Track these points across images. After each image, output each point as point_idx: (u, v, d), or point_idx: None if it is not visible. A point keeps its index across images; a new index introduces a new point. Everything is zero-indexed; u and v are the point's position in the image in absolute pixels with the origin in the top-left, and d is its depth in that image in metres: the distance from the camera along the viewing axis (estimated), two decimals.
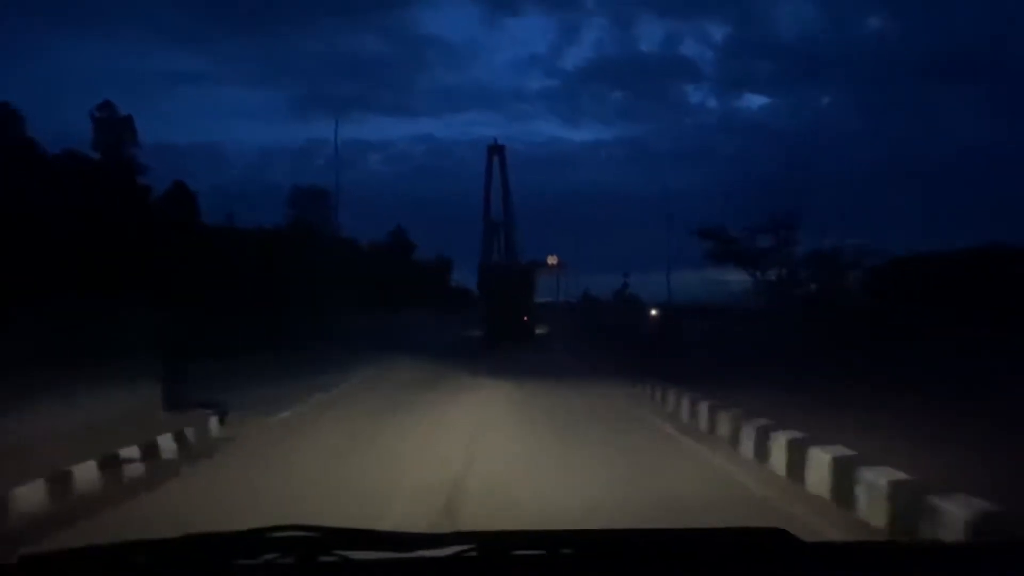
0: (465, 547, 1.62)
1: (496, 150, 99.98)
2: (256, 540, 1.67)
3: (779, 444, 7.21)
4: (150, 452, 7.89)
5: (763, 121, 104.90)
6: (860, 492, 5.73)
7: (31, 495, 6.01)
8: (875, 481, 5.54)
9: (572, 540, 1.70)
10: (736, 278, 30.65)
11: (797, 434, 7.15)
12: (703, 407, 9.82)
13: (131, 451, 7.58)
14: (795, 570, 1.61)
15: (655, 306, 44.22)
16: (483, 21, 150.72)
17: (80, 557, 1.67)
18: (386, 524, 4.81)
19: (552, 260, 53.45)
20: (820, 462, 6.38)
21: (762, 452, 7.57)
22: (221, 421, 10.05)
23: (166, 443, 8.36)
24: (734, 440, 8.39)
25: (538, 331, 31.70)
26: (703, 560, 1.61)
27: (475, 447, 8.49)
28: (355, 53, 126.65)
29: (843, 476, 5.99)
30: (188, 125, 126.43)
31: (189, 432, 8.97)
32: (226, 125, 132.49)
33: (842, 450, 6.36)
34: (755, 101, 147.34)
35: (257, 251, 28.36)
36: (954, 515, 4.61)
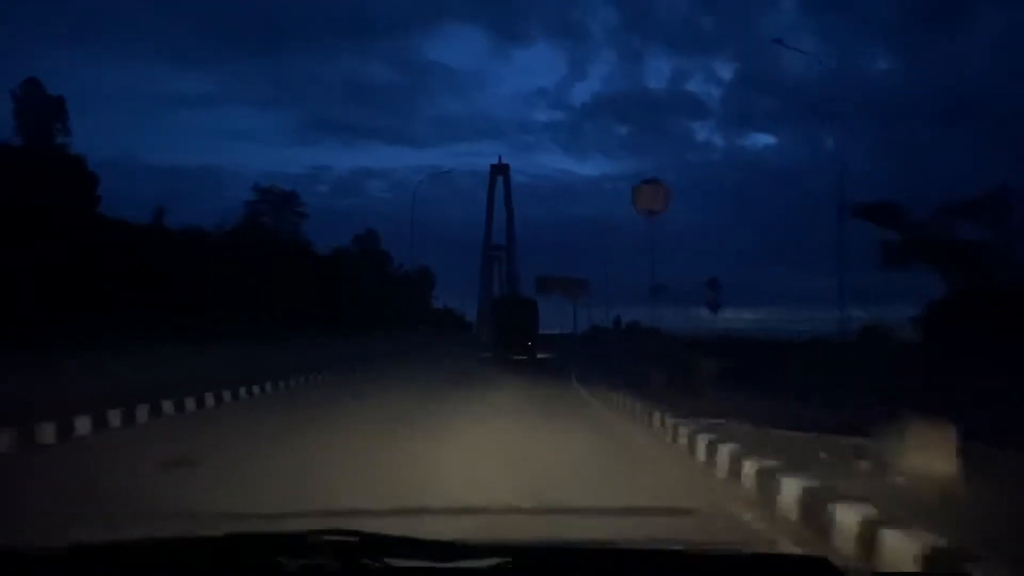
0: (502, 559, 1.67)
1: (500, 170, 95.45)
2: (299, 542, 1.71)
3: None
4: None
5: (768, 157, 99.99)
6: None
7: None
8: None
9: (608, 557, 1.78)
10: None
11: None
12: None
13: None
14: None
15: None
16: (491, 52, 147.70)
17: (128, 549, 1.77)
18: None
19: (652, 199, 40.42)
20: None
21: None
22: None
23: None
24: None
25: (541, 355, 35.32)
26: None
27: None
28: (361, 79, 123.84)
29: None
30: (189, 147, 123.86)
31: None
32: (228, 148, 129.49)
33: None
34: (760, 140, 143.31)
35: (173, 254, 23.47)
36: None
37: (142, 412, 10.77)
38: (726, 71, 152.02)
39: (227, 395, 13.54)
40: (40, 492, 6.14)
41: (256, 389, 14.90)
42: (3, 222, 17.08)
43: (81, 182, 22.64)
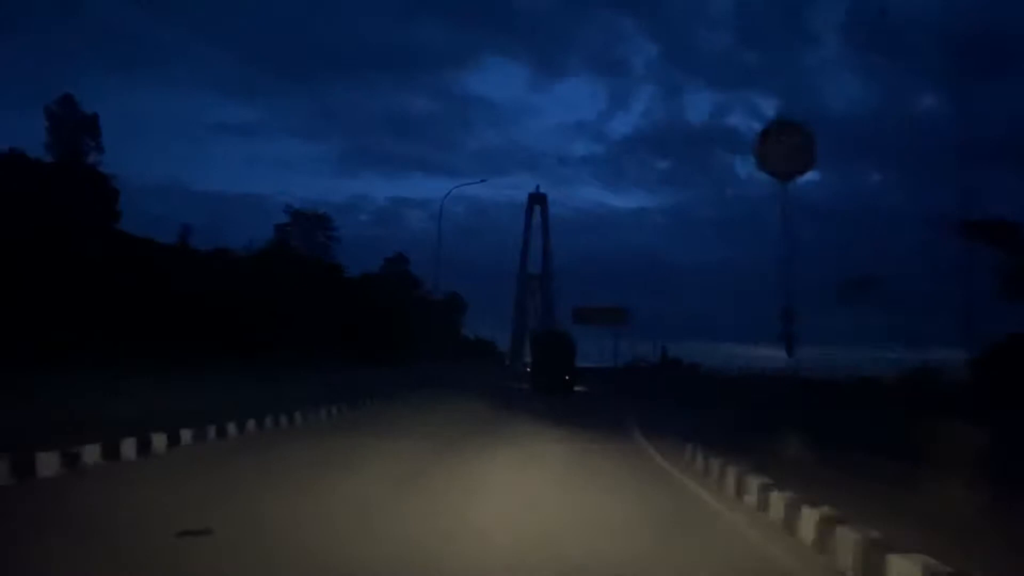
0: None
1: (537, 199, 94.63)
2: None
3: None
4: None
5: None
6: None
7: None
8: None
9: None
10: None
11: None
12: None
13: None
14: None
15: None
16: (531, 85, 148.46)
17: None
18: None
19: (789, 154, 29.71)
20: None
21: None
22: None
23: None
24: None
25: (578, 388, 37.23)
26: None
27: None
28: (403, 111, 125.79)
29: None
30: (233, 175, 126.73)
31: None
32: (271, 177, 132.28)
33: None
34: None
35: (193, 272, 22.61)
36: None
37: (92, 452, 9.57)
38: (768, 106, 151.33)
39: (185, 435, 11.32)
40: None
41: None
42: (13, 235, 16.32)
43: (101, 196, 21.95)
